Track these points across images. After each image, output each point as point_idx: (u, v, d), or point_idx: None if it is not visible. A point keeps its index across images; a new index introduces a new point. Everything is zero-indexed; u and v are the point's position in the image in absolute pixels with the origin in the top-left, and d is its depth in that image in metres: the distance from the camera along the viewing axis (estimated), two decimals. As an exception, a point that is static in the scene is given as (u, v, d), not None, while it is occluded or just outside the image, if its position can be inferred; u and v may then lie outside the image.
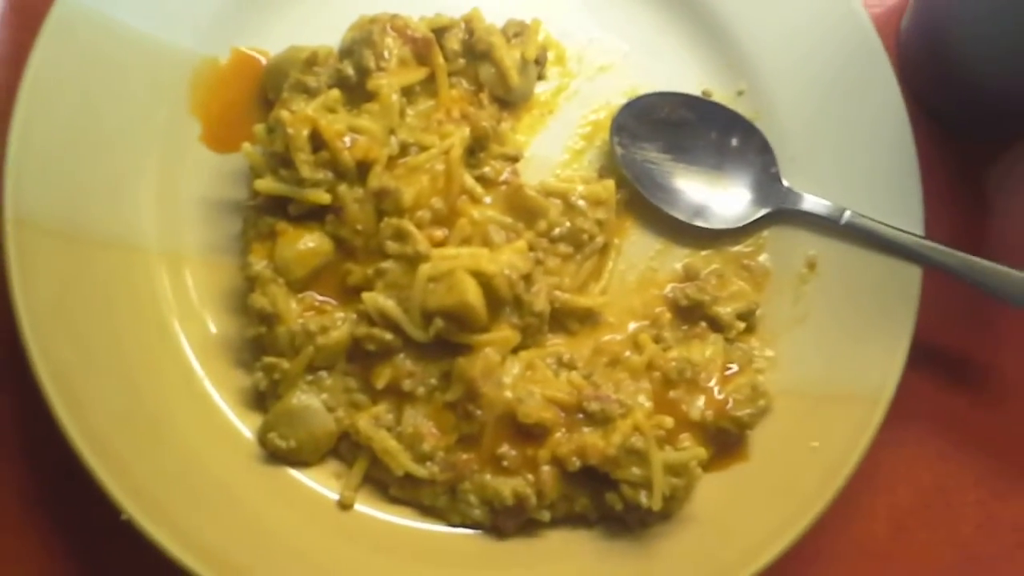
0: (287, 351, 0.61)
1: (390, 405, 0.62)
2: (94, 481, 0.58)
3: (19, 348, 0.59)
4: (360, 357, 0.62)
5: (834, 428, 0.63)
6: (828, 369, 0.65)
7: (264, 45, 0.68)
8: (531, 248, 0.64)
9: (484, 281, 0.60)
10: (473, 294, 0.60)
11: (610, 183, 0.67)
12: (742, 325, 0.66)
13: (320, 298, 0.63)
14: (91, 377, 0.60)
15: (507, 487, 0.60)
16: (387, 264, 0.62)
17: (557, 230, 0.65)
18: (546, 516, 0.61)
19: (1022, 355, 0.71)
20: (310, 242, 0.62)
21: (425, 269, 0.60)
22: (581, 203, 0.66)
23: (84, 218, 0.62)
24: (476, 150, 0.66)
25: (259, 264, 0.62)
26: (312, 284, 0.63)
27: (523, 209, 0.66)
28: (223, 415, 0.62)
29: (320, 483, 0.62)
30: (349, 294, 0.63)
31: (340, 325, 0.62)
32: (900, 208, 0.66)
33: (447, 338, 0.61)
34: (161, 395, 0.61)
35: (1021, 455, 0.69)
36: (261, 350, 0.62)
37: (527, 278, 0.62)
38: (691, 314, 0.66)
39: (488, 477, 0.61)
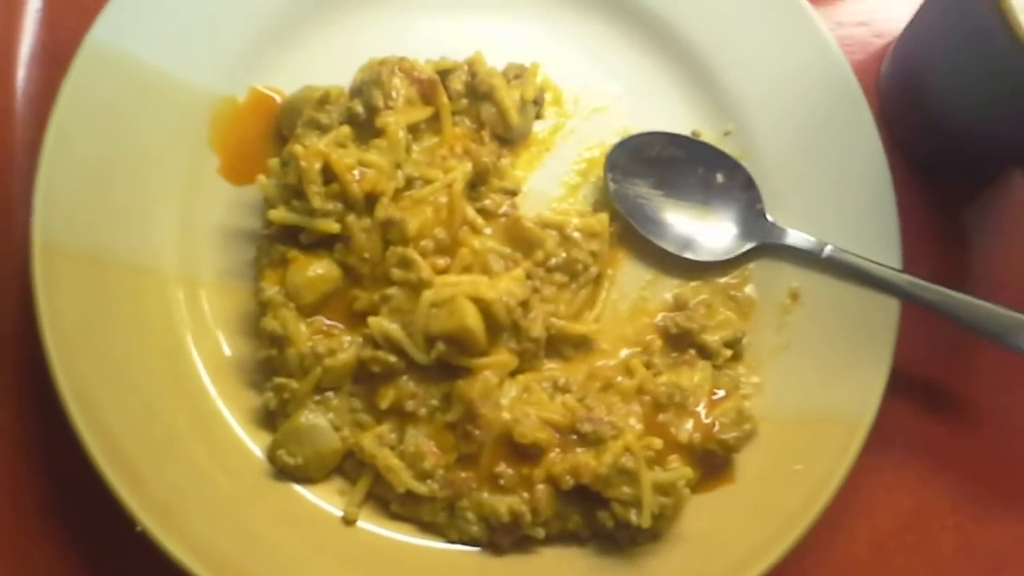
0: (296, 372, 0.64)
1: (393, 425, 0.65)
2: (111, 494, 0.60)
3: (44, 367, 0.62)
4: (365, 379, 0.65)
5: (817, 452, 0.66)
6: (811, 395, 0.68)
7: (280, 84, 0.72)
8: (528, 277, 0.67)
9: (484, 307, 0.63)
10: (473, 319, 0.63)
11: (604, 216, 0.70)
12: (729, 352, 0.69)
13: (328, 322, 0.66)
14: (111, 395, 0.63)
15: (503, 504, 0.63)
16: (392, 291, 0.65)
17: (553, 260, 0.69)
18: (540, 533, 0.64)
19: (998, 384, 0.73)
20: (319, 269, 0.65)
21: (428, 295, 0.64)
22: (576, 235, 0.69)
23: (107, 244, 0.66)
24: (477, 184, 0.70)
25: (271, 289, 0.65)
26: (321, 309, 0.66)
27: (521, 240, 0.69)
28: (234, 433, 0.65)
29: (325, 500, 0.65)
30: (356, 319, 0.66)
31: (347, 348, 0.65)
32: (879, 241, 0.69)
33: (448, 361, 0.64)
34: (175, 413, 0.64)
35: (998, 481, 0.72)
36: (272, 371, 0.65)
37: (524, 305, 0.65)
38: (680, 341, 0.69)
39: (485, 495, 0.63)
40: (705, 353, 0.69)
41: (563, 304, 0.69)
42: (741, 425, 0.66)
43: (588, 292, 0.70)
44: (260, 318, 0.65)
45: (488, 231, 0.69)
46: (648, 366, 0.68)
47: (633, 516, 0.62)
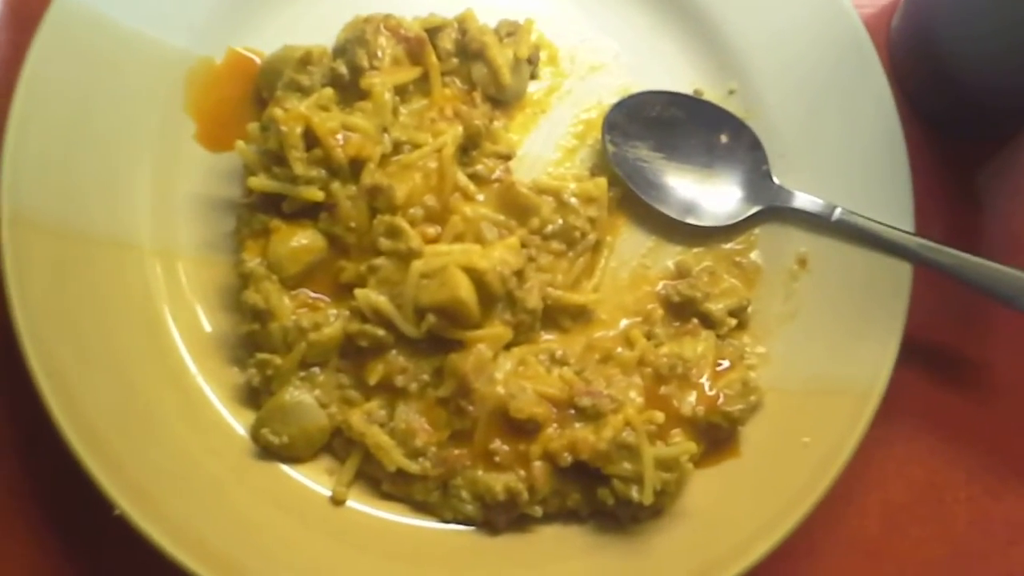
0: (280, 347, 0.62)
1: (383, 401, 0.62)
2: (87, 477, 0.58)
3: (14, 345, 0.59)
4: (353, 354, 0.63)
5: (825, 424, 0.63)
6: (819, 365, 0.65)
7: (259, 45, 0.68)
8: (524, 245, 0.65)
9: (476, 277, 0.60)
10: (465, 290, 0.60)
11: (602, 181, 0.67)
12: (733, 322, 0.66)
13: (313, 295, 0.63)
14: (85, 373, 0.60)
15: (499, 483, 0.61)
16: (380, 261, 0.62)
17: (550, 227, 0.66)
18: (538, 511, 0.62)
19: (1014, 351, 0.71)
20: (303, 239, 0.62)
21: (417, 265, 0.61)
22: (573, 200, 0.66)
23: (79, 215, 0.63)
24: (469, 148, 0.67)
25: (252, 261, 0.63)
26: (305, 281, 0.63)
27: (516, 206, 0.66)
28: (216, 411, 0.63)
29: (313, 479, 0.62)
30: (342, 291, 0.63)
31: (333, 322, 0.62)
32: (890, 204, 0.67)
33: (439, 334, 0.61)
34: (154, 391, 0.62)
35: (1013, 452, 0.70)
36: (254, 347, 0.63)
37: (519, 274, 0.62)
38: (683, 311, 0.66)
39: (480, 472, 0.61)
40: (708, 322, 0.66)
41: (560, 273, 0.66)
42: (746, 397, 0.63)
43: (586, 260, 0.67)
44: (241, 291, 0.63)
45: (481, 198, 0.66)
46: (649, 337, 0.65)
47: (635, 493, 0.60)
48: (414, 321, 0.61)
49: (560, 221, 0.66)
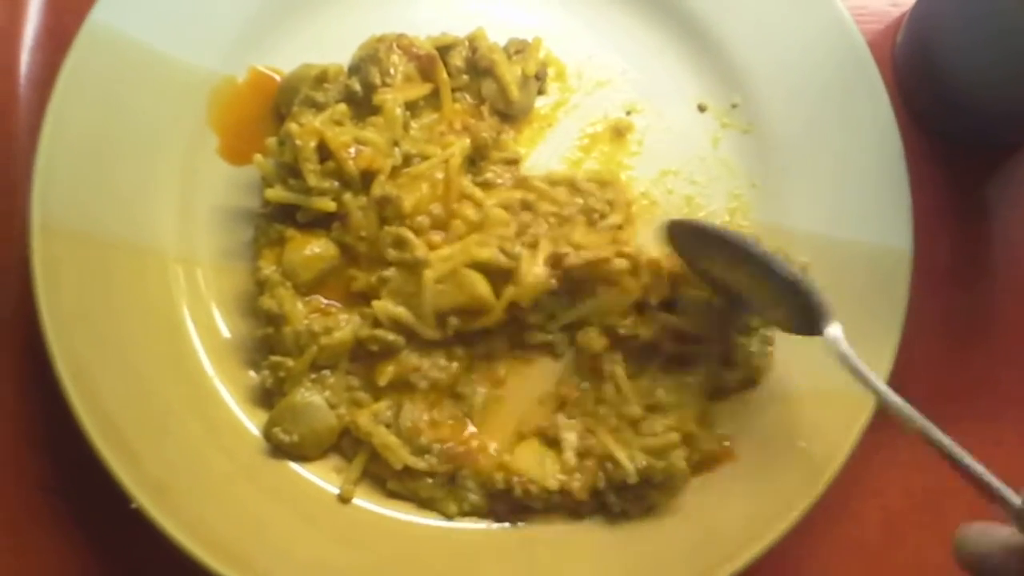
0: (293, 350, 0.64)
1: (390, 402, 0.65)
2: (107, 471, 0.61)
3: (41, 347, 0.63)
4: (363, 356, 0.65)
5: (822, 427, 0.64)
6: (816, 369, 0.65)
7: (280, 64, 0.71)
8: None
9: (483, 267, 0.63)
10: (480, 285, 0.63)
11: (612, 169, 0.70)
12: None
13: (326, 301, 0.66)
14: (108, 374, 0.63)
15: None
16: (389, 272, 0.64)
17: (567, 210, 0.67)
18: (537, 504, 0.63)
19: (1015, 361, 0.71)
20: (316, 247, 0.65)
21: (430, 274, 0.63)
22: (588, 185, 0.68)
23: (106, 224, 0.66)
24: (477, 159, 0.69)
25: (268, 268, 0.65)
26: (318, 288, 0.66)
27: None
28: (230, 411, 0.65)
29: (321, 477, 0.64)
30: (353, 298, 0.66)
31: (343, 327, 0.64)
32: (890, 221, 0.67)
33: (464, 330, 0.64)
34: (172, 392, 0.64)
35: (1013, 459, 0.70)
36: (268, 350, 0.65)
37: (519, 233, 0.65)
38: None
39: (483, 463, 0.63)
40: None
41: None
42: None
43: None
44: (257, 297, 0.65)
45: (490, 203, 0.68)
46: None
47: (627, 463, 0.62)
48: (436, 326, 0.64)
49: (580, 201, 0.68)
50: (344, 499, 0.64)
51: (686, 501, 0.64)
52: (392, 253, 0.64)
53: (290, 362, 0.64)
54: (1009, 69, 0.65)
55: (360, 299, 0.66)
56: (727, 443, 0.65)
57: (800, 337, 0.66)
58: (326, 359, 0.64)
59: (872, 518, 0.68)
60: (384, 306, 0.64)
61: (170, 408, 0.64)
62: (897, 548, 0.68)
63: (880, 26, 0.77)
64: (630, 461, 0.62)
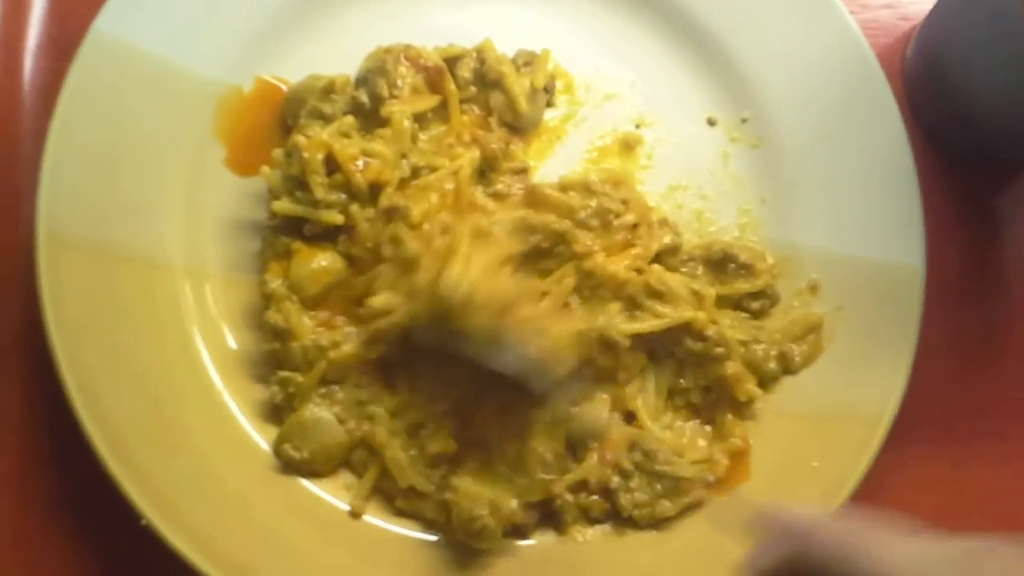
0: (301, 365, 0.64)
1: (402, 417, 0.64)
2: (116, 488, 0.60)
3: (49, 360, 0.62)
4: (373, 369, 0.64)
5: (835, 448, 0.64)
6: (830, 389, 0.66)
7: (287, 74, 0.70)
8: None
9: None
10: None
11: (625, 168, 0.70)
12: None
13: (332, 315, 0.65)
14: (116, 388, 0.62)
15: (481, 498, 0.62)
16: (382, 268, 0.63)
17: (583, 213, 0.66)
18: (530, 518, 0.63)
19: (1025, 380, 0.71)
20: (323, 261, 0.64)
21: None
22: (601, 186, 0.68)
23: (113, 235, 0.65)
24: (486, 171, 0.68)
25: (275, 282, 0.65)
26: (325, 301, 0.65)
27: (543, 208, 0.67)
28: (240, 427, 0.65)
29: (332, 494, 0.64)
30: (359, 311, 0.65)
31: (351, 340, 0.64)
32: (901, 235, 0.67)
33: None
34: (181, 406, 0.64)
35: (1022, 479, 0.69)
36: (277, 365, 0.65)
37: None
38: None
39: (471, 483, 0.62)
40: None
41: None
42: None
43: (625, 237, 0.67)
44: (264, 311, 0.65)
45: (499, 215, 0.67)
46: None
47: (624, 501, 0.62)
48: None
49: (594, 203, 0.67)
50: (355, 514, 0.63)
51: (699, 518, 0.63)
52: (388, 249, 0.63)
53: (299, 377, 0.64)
54: (1021, 88, 0.64)
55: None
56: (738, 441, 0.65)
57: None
58: (335, 374, 0.64)
59: (882, 534, 0.68)
60: (375, 302, 0.63)
61: (179, 423, 0.63)
62: (908, 566, 0.68)
63: (889, 40, 0.77)
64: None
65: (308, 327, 0.64)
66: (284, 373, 0.64)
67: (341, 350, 0.63)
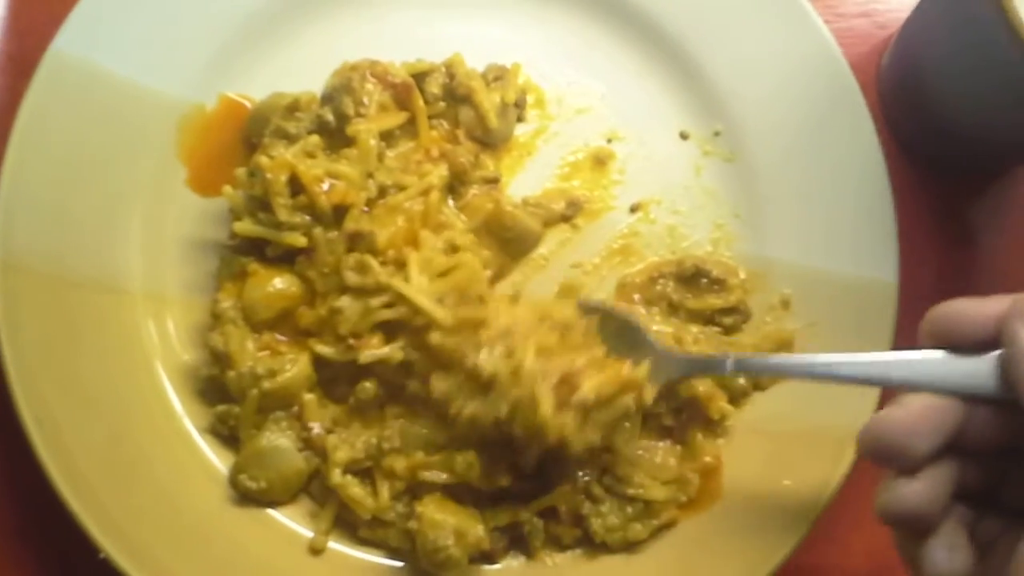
0: (236, 393, 0.62)
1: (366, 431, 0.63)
2: (73, 519, 0.59)
3: (3, 387, 0.61)
4: (326, 383, 0.63)
5: (807, 465, 0.63)
6: (802, 406, 0.65)
7: (252, 91, 0.69)
8: None
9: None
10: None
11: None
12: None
13: (280, 337, 0.63)
14: (74, 419, 0.61)
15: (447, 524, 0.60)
16: (343, 301, 0.61)
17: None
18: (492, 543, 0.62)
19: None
20: (279, 283, 0.63)
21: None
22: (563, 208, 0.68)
23: (71, 260, 0.64)
24: (456, 185, 0.67)
25: (226, 302, 0.63)
26: (276, 326, 0.64)
27: (503, 229, 0.66)
28: (201, 454, 0.63)
29: (295, 521, 0.63)
30: (303, 336, 0.63)
31: (289, 369, 0.62)
32: (875, 250, 0.66)
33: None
34: (141, 435, 0.63)
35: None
36: (218, 393, 0.63)
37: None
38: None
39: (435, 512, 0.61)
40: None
41: None
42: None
43: None
44: (207, 332, 0.63)
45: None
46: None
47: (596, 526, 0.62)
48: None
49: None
50: (316, 551, 0.62)
51: (673, 538, 0.63)
52: (352, 277, 0.61)
53: (236, 409, 0.62)
54: (998, 98, 0.63)
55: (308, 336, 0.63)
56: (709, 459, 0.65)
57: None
58: (273, 404, 0.62)
59: (858, 549, 0.68)
60: (319, 346, 0.62)
61: (139, 453, 0.62)
62: (883, 577, 0.67)
63: (865, 48, 0.76)
64: None
65: (249, 352, 0.62)
66: (222, 407, 0.63)
67: (276, 380, 0.61)
